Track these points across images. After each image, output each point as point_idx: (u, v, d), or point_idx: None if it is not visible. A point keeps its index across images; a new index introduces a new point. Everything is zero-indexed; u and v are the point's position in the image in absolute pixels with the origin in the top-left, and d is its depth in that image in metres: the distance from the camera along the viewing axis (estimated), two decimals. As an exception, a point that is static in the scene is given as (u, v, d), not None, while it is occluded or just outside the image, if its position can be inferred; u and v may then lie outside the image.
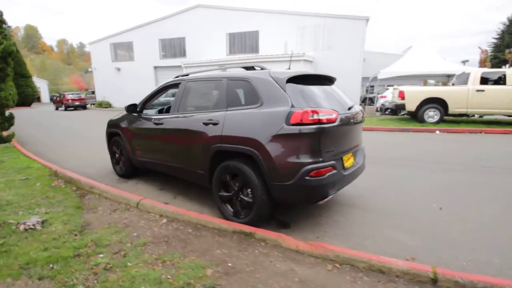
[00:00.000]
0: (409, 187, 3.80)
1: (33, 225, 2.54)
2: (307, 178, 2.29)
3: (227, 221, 2.63)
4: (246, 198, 2.62)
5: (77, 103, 23.02)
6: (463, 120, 10.35)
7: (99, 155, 6.06)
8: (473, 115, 10.73)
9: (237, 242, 2.35)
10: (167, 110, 4.27)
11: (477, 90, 8.80)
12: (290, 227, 2.74)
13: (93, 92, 28.18)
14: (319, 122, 2.30)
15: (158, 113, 4.30)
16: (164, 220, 2.80)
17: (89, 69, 28.69)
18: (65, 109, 22.86)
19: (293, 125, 2.29)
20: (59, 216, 2.90)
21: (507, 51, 41.17)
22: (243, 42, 20.35)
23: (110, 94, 25.02)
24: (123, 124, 4.14)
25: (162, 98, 12.65)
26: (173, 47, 22.68)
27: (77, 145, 7.40)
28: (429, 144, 6.75)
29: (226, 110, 2.74)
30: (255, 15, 19.36)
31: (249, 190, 2.62)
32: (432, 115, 9.50)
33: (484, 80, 8.88)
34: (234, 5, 20.22)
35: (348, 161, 2.75)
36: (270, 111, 2.42)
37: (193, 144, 2.98)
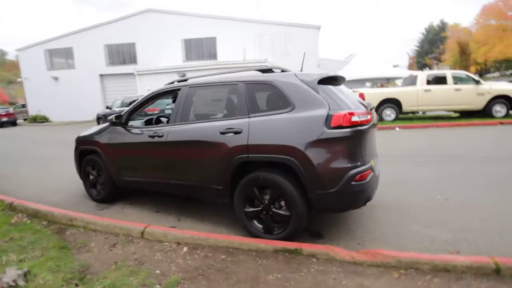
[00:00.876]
0: (407, 181, 3.97)
1: (14, 281, 1.90)
2: (353, 183, 2.17)
3: (265, 240, 2.34)
4: (281, 212, 2.37)
5: (4, 119, 19.63)
6: (414, 117, 11.56)
7: (58, 177, 5.12)
8: (419, 112, 12.10)
9: (284, 263, 2.09)
10: (157, 121, 3.78)
11: (425, 90, 9.93)
12: (324, 236, 2.58)
13: (23, 106, 24.37)
14: (360, 124, 2.20)
15: (145, 125, 3.77)
16: (185, 249, 2.38)
17: (18, 79, 24.77)
18: (-11, 127, 19.25)
19: (334, 128, 2.15)
20: (41, 262, 2.25)
21: (427, 57, 48.03)
22: (200, 48, 19.83)
23: (46, 107, 21.94)
24: (102, 140, 3.51)
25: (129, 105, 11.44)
26: (122, 53, 21.00)
27: (24, 168, 6.17)
28: (397, 140, 7.31)
29: (249, 117, 2.47)
30: (211, 22, 19.06)
31: (282, 202, 2.39)
32: (389, 113, 10.41)
33: (429, 81, 10.06)
34: (189, 10, 19.63)
35: (373, 162, 2.72)
36: (307, 115, 2.24)
37: (207, 156, 2.63)
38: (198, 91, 2.90)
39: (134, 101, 11.67)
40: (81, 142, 3.85)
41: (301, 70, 2.72)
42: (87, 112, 21.08)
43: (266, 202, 2.42)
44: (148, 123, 3.77)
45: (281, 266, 2.06)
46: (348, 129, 2.16)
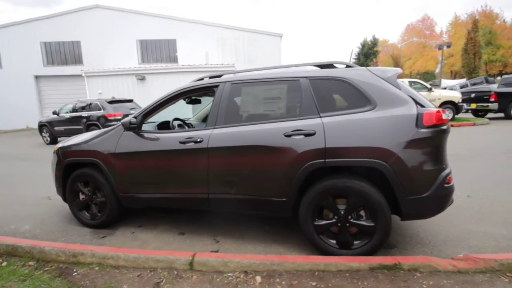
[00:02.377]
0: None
1: None
2: (445, 185, 2.03)
3: (355, 258, 2.03)
4: (363, 223, 2.10)
5: None
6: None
7: (15, 200, 4.00)
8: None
9: (390, 282, 1.82)
10: (165, 126, 3.17)
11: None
12: (395, 246, 2.39)
13: None
14: (446, 122, 2.09)
15: (158, 129, 3.13)
16: (259, 279, 1.92)
17: None
18: None
19: (426, 127, 1.99)
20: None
21: (366, 68, 53.53)
22: (158, 50, 18.56)
23: (-40, 113, 17.91)
24: (106, 149, 2.78)
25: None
26: (64, 53, 18.44)
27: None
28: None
29: (320, 117, 2.16)
30: (171, 23, 18.03)
31: (361, 212, 2.13)
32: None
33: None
34: (144, 10, 18.23)
35: None
36: (395, 114, 2.03)
37: (268, 164, 2.22)
38: (245, 88, 2.47)
39: (89, 105, 10.15)
40: (67, 153, 3.01)
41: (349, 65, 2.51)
42: (17, 119, 17.85)
43: (342, 213, 2.12)
44: (162, 128, 3.14)
45: (389, 287, 1.78)
46: (439, 128, 2.03)
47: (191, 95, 2.79)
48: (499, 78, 28.15)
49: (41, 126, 10.98)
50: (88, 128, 9.74)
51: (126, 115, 10.18)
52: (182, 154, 2.49)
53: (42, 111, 18.60)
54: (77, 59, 18.39)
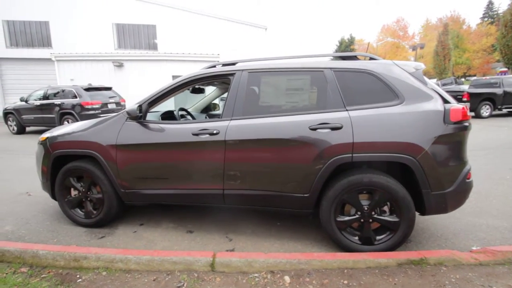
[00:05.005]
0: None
1: None
2: (466, 180, 2.06)
3: (381, 254, 2.00)
4: (387, 218, 2.09)
5: None
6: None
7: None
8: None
9: (419, 277, 1.82)
10: (167, 117, 2.95)
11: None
12: (410, 240, 2.42)
13: None
14: (469, 118, 2.11)
15: (163, 119, 2.89)
16: (287, 279, 1.83)
17: None
18: None
19: (453, 123, 2.00)
20: None
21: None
22: (136, 36, 17.56)
23: None
24: (105, 140, 2.51)
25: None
26: (30, 34, 16.83)
27: None
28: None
29: (347, 110, 2.09)
30: (150, 7, 17.06)
31: (385, 207, 2.12)
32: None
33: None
34: (121, -9, 17.00)
35: None
36: (424, 109, 2.01)
37: (291, 158, 2.12)
38: (265, 78, 2.32)
39: (62, 91, 9.33)
40: (57, 144, 2.69)
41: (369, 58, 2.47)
42: (-28, 106, 16.09)
43: (366, 208, 2.09)
44: (166, 118, 2.91)
45: (420, 282, 1.78)
46: (463, 124, 2.04)
47: (203, 83, 2.58)
48: (463, 79, 30.30)
49: (6, 114, 9.96)
50: (62, 117, 9.01)
51: (105, 104, 9.51)
52: (195, 147, 2.31)
53: (4, 98, 16.95)
54: (45, 42, 16.87)
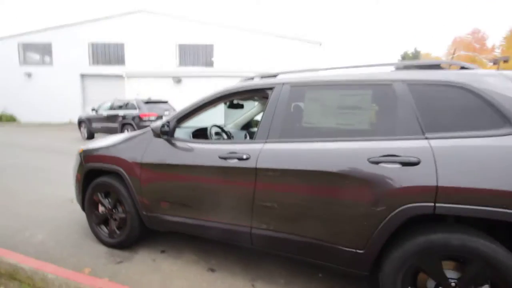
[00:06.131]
0: None
1: None
2: None
3: None
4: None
5: (-40, 116, 16.95)
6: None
7: (39, 197, 3.75)
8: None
9: None
10: (200, 134, 2.68)
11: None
12: None
13: (-14, 103, 21.50)
14: None
15: (193, 136, 2.65)
16: None
17: (-18, 73, 21.95)
18: None
19: None
20: None
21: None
22: (196, 54, 18.78)
23: (15, 106, 19.51)
24: (130, 156, 2.33)
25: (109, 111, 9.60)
26: (108, 54, 19.36)
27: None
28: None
29: (426, 138, 1.49)
30: (210, 28, 18.18)
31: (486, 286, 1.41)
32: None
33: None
34: (185, 15, 18.61)
35: None
36: None
37: (341, 199, 1.60)
38: (311, 93, 1.87)
39: (126, 104, 10.20)
40: (89, 157, 2.63)
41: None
42: (61, 113, 18.99)
43: (454, 284, 1.41)
44: (199, 136, 2.66)
45: None
46: None
47: (238, 97, 2.25)
48: None
49: (80, 122, 11.33)
50: (123, 127, 9.80)
51: (160, 117, 10.08)
52: (221, 173, 1.94)
53: (84, 108, 19.64)
54: (120, 60, 19.20)
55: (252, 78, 2.22)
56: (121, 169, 2.36)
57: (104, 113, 10.49)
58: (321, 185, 1.64)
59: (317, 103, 1.85)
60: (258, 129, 1.93)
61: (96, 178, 2.59)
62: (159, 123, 2.15)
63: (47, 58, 19.74)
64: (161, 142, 2.25)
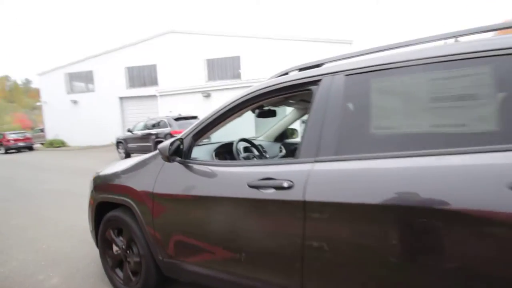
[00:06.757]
0: None
1: None
2: None
3: None
4: None
5: (21, 143, 18.86)
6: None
7: (62, 227, 3.50)
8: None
9: None
10: (225, 150, 2.13)
11: None
12: None
13: (42, 130, 23.84)
14: None
15: (217, 154, 2.14)
16: None
17: (37, 103, 24.54)
18: (5, 152, 18.46)
19: None
20: None
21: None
22: (223, 67, 18.87)
23: (65, 131, 21.26)
24: (140, 185, 1.87)
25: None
26: (143, 76, 20.32)
27: (18, 210, 4.61)
28: None
29: None
30: (235, 40, 18.20)
31: None
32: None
33: None
34: (211, 30, 18.92)
35: None
36: None
37: (456, 255, 0.92)
38: (380, 81, 1.21)
39: (158, 123, 10.25)
40: (99, 186, 2.23)
41: None
42: (104, 136, 20.18)
43: None
44: (218, 156, 2.12)
45: None
46: None
47: (268, 100, 1.66)
48: None
49: (118, 143, 11.70)
50: (157, 145, 9.81)
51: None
52: (253, 209, 1.36)
53: (124, 129, 20.71)
54: (153, 81, 20.03)
55: (286, 73, 1.63)
56: (130, 201, 1.90)
57: (139, 132, 10.66)
58: (414, 226, 0.98)
59: (395, 96, 1.19)
60: (301, 143, 1.33)
61: (108, 211, 2.18)
62: (167, 142, 1.65)
63: (90, 86, 21.35)
64: (174, 166, 1.74)
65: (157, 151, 1.88)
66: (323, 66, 1.45)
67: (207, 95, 15.47)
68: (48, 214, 4.34)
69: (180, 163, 1.74)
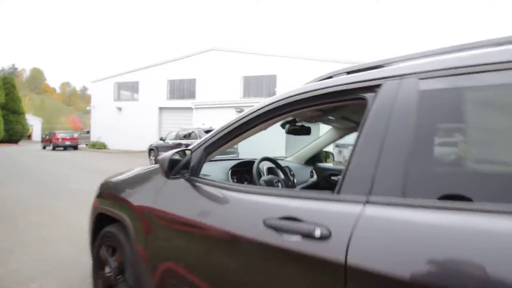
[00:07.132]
0: None
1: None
2: None
3: None
4: None
5: (67, 142, 20.47)
6: None
7: (75, 232, 3.34)
8: None
9: None
10: (245, 170, 1.76)
11: None
12: None
13: (88, 132, 25.85)
14: None
15: (233, 174, 1.78)
16: None
17: (87, 108, 26.87)
18: (53, 149, 20.15)
19: None
20: None
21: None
22: (259, 85, 19.03)
23: (107, 135, 22.74)
24: (138, 200, 1.57)
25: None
26: (182, 89, 21.26)
27: (38, 207, 4.63)
28: None
29: None
30: (272, 60, 18.35)
31: None
32: None
33: None
34: (250, 49, 19.38)
35: None
36: None
37: None
38: (482, 90, 0.79)
39: (189, 134, 10.35)
40: (102, 195, 1.99)
41: None
42: (142, 142, 21.17)
43: None
44: (236, 173, 1.76)
45: None
46: None
47: (301, 111, 1.25)
48: None
49: (150, 150, 12.02)
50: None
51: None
52: (266, 256, 0.96)
53: (159, 137, 21.60)
54: (191, 94, 20.83)
55: (330, 77, 1.24)
56: (124, 216, 1.60)
57: (170, 142, 10.85)
58: None
59: (505, 110, 0.74)
60: (345, 172, 0.91)
61: (105, 225, 1.91)
62: (169, 153, 1.33)
63: (134, 94, 22.86)
64: (180, 182, 1.41)
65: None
66: (386, 68, 1.04)
67: (240, 110, 15.55)
68: (65, 214, 4.29)
69: (186, 180, 1.40)
